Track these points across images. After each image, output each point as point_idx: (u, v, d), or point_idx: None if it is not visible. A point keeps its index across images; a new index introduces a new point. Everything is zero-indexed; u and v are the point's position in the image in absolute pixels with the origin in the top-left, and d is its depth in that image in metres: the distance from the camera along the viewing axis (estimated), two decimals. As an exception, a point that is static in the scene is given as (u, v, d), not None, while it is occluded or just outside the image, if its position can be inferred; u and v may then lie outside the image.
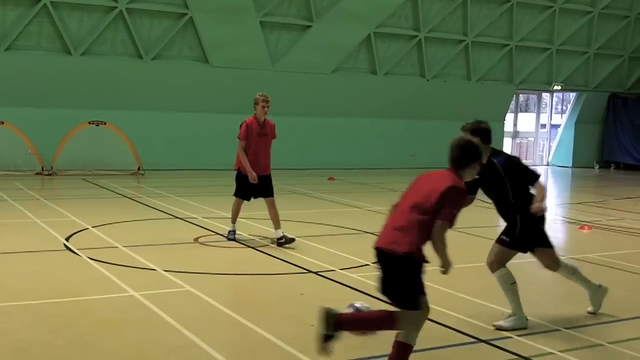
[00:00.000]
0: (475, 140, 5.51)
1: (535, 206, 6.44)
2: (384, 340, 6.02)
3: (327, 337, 4.99)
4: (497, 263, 6.67)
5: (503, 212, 6.78)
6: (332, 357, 5.54)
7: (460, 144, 5.31)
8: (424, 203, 4.98)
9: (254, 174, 9.90)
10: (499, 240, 6.77)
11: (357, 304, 5.83)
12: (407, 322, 4.99)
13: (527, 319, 6.52)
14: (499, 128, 27.70)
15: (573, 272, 7.00)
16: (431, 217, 4.93)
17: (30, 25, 19.68)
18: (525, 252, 6.80)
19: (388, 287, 5.07)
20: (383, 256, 5.04)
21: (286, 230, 10.16)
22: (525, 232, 6.62)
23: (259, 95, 10.07)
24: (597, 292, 7.01)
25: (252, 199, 10.32)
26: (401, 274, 5.01)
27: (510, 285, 6.58)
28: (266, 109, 10.03)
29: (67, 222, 11.52)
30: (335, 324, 4.98)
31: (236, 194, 10.32)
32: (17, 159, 19.25)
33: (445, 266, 5.14)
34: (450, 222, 4.98)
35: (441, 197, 4.94)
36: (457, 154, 5.26)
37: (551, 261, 6.84)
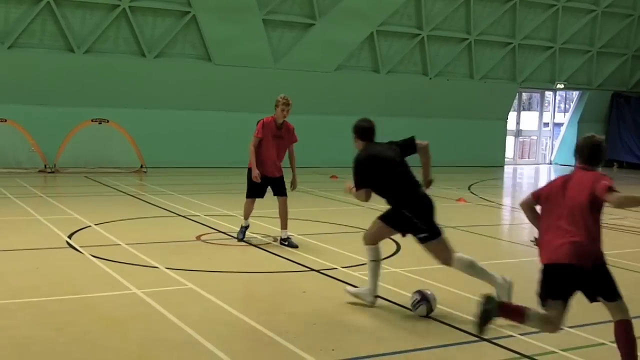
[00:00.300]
0: None
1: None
2: (385, 339, 6.02)
3: (487, 319, 5.19)
4: (371, 237, 7.00)
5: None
6: (334, 354, 5.55)
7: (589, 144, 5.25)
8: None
9: (257, 172, 9.86)
10: (380, 216, 7.08)
11: (425, 291, 6.47)
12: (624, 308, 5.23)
13: (375, 298, 6.86)
14: (501, 126, 27.70)
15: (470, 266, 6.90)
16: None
17: (33, 23, 19.70)
18: (401, 234, 7.01)
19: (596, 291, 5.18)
20: (576, 270, 5.06)
21: (288, 228, 10.15)
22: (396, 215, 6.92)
23: (280, 98, 9.89)
24: (503, 285, 6.88)
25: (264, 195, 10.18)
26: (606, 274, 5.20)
27: (371, 261, 6.91)
28: (285, 112, 9.87)
29: (69, 219, 11.53)
30: (498, 308, 5.20)
31: (248, 195, 10.12)
32: (20, 156, 19.27)
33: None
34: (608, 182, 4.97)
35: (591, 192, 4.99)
36: (588, 153, 5.22)
37: (436, 253, 6.85)
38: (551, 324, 5.18)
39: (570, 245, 4.98)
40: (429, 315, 6.65)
